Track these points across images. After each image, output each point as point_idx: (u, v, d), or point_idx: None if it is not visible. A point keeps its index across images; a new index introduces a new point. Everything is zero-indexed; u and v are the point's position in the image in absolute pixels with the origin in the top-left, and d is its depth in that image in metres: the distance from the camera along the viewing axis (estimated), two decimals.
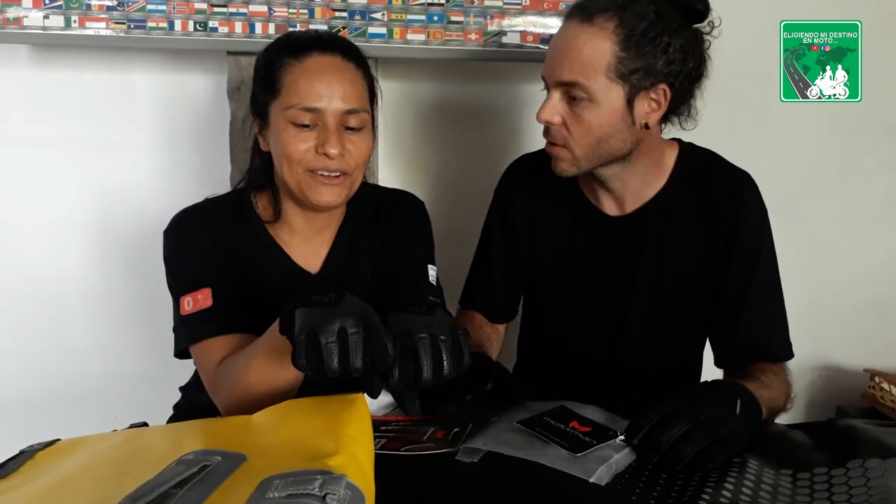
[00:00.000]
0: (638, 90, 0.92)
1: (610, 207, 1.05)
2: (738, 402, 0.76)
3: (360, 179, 0.97)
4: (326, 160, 0.89)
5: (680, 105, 0.97)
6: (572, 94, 0.92)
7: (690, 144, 1.07)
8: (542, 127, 0.99)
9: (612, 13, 0.90)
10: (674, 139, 1.07)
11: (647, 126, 0.95)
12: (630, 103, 0.93)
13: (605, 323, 1.07)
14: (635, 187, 1.02)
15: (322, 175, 0.91)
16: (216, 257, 0.94)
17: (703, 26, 0.96)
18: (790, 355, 1.02)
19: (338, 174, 0.91)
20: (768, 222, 1.03)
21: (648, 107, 0.94)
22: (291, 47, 0.92)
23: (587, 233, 1.07)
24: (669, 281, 1.03)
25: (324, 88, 0.89)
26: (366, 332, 0.62)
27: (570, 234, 1.08)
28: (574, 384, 1.04)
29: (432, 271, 1.03)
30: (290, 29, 1.30)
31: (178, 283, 0.93)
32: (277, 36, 1.08)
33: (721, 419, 0.72)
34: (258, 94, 0.95)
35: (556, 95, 0.94)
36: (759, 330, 1.01)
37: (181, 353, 0.95)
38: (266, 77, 0.92)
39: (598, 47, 0.89)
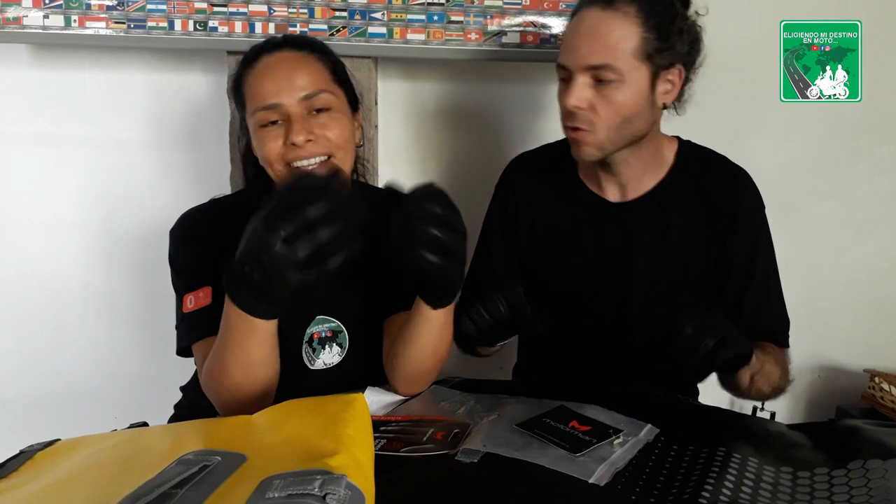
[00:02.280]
0: (659, 70, 0.96)
1: (613, 194, 1.08)
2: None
3: (349, 162, 0.95)
4: (298, 150, 0.90)
5: (685, 87, 1.02)
6: (601, 77, 0.94)
7: (689, 141, 1.11)
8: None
9: (630, 0, 0.93)
10: (674, 136, 1.10)
11: (664, 106, 1.00)
12: (653, 84, 0.97)
13: (606, 310, 1.09)
14: (638, 174, 1.05)
15: (301, 165, 0.91)
16: (219, 256, 0.93)
17: (692, 13, 1.00)
18: (786, 344, 1.06)
19: (316, 160, 0.91)
20: (765, 217, 1.06)
21: (664, 87, 0.98)
22: (247, 58, 0.96)
23: (588, 220, 1.09)
24: (667, 270, 1.06)
25: (276, 83, 0.90)
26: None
27: (572, 223, 1.10)
28: (575, 374, 1.05)
29: None
30: (291, 29, 1.30)
31: (182, 281, 0.94)
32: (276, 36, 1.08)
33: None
34: (239, 112, 0.98)
35: (583, 80, 0.95)
36: (758, 320, 1.04)
37: (182, 350, 0.95)
38: (235, 94, 0.97)
39: (626, 29, 0.93)
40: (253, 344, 0.78)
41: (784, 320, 1.07)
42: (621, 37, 0.93)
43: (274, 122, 0.90)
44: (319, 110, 0.91)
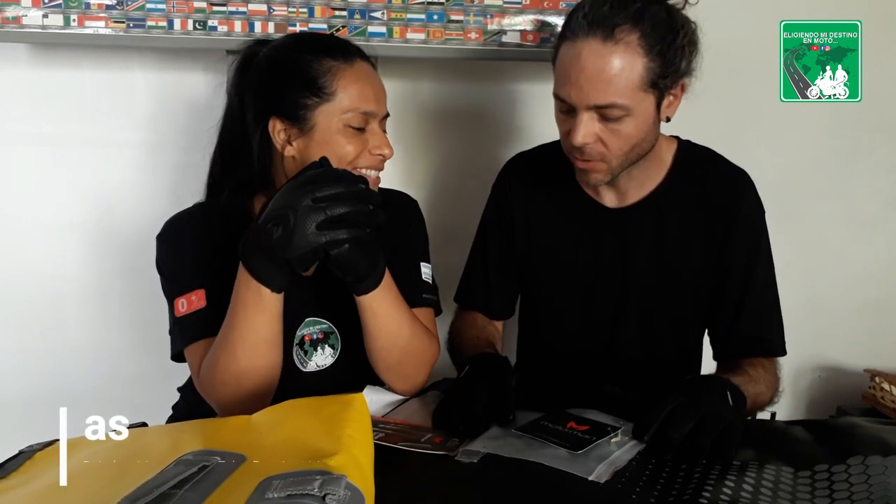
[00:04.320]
0: (664, 92, 0.94)
1: (610, 200, 1.07)
2: (728, 394, 0.79)
3: None
4: (376, 159, 0.94)
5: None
6: (608, 115, 0.91)
7: (688, 142, 1.09)
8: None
9: (630, 25, 0.88)
10: (673, 136, 1.09)
11: (668, 119, 0.98)
12: (659, 105, 0.94)
13: (602, 315, 1.08)
14: (637, 180, 1.04)
15: (366, 173, 0.93)
16: (210, 259, 0.93)
17: (679, 3, 0.95)
18: (783, 352, 1.04)
19: (377, 173, 0.95)
20: (765, 220, 1.05)
21: (667, 102, 0.96)
22: (336, 51, 0.93)
23: (585, 225, 1.08)
24: (665, 273, 1.05)
25: (375, 94, 0.94)
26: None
27: (568, 227, 1.09)
28: (574, 382, 1.04)
29: (426, 269, 1.02)
30: (290, 28, 1.30)
31: (172, 286, 0.93)
32: (276, 36, 1.07)
33: (721, 410, 0.74)
34: (291, 94, 0.91)
35: (588, 116, 0.91)
36: (757, 326, 1.03)
37: (177, 355, 0.95)
38: (309, 79, 0.91)
39: (630, 64, 0.88)
40: (261, 320, 0.82)
41: (780, 328, 1.05)
42: (626, 72, 0.88)
43: (361, 128, 0.92)
44: (384, 130, 0.97)
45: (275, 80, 0.93)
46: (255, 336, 0.82)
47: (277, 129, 0.92)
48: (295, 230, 0.74)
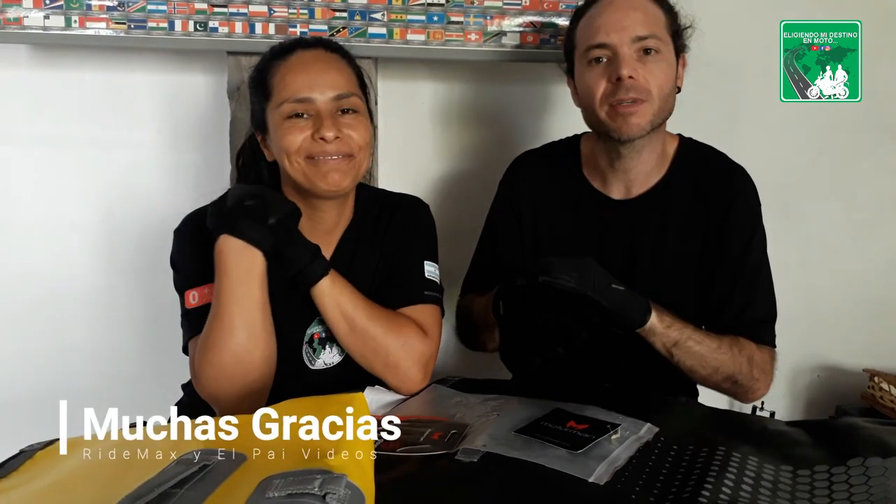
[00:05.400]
0: (679, 52, 1.04)
1: (617, 192, 1.09)
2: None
3: (366, 165, 0.97)
4: (325, 145, 0.91)
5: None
6: (647, 46, 0.98)
7: (690, 139, 1.11)
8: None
9: None
10: (676, 134, 1.11)
11: (679, 89, 1.05)
12: (676, 63, 1.03)
13: None
14: (645, 169, 1.06)
15: (324, 159, 0.92)
16: None
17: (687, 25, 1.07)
18: (772, 342, 1.04)
19: (339, 157, 0.92)
20: (760, 214, 1.06)
21: (681, 67, 1.05)
22: (276, 52, 0.97)
23: (591, 216, 1.10)
24: (668, 265, 1.06)
25: (311, 79, 0.92)
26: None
27: (575, 219, 1.11)
28: (576, 372, 1.04)
29: (430, 267, 1.02)
30: (291, 29, 1.30)
31: (185, 279, 0.94)
32: (277, 37, 1.08)
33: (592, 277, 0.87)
34: (255, 106, 0.98)
35: (629, 52, 0.98)
36: (745, 315, 1.03)
37: (187, 347, 0.95)
38: (258, 86, 0.96)
39: (655, 7, 1.02)
40: (255, 287, 0.86)
41: (769, 318, 1.05)
42: (656, 11, 1.01)
43: (300, 115, 0.91)
44: (346, 111, 0.93)
45: (250, 101, 1.01)
46: (251, 305, 0.86)
47: (261, 140, 0.99)
48: (269, 199, 0.87)
